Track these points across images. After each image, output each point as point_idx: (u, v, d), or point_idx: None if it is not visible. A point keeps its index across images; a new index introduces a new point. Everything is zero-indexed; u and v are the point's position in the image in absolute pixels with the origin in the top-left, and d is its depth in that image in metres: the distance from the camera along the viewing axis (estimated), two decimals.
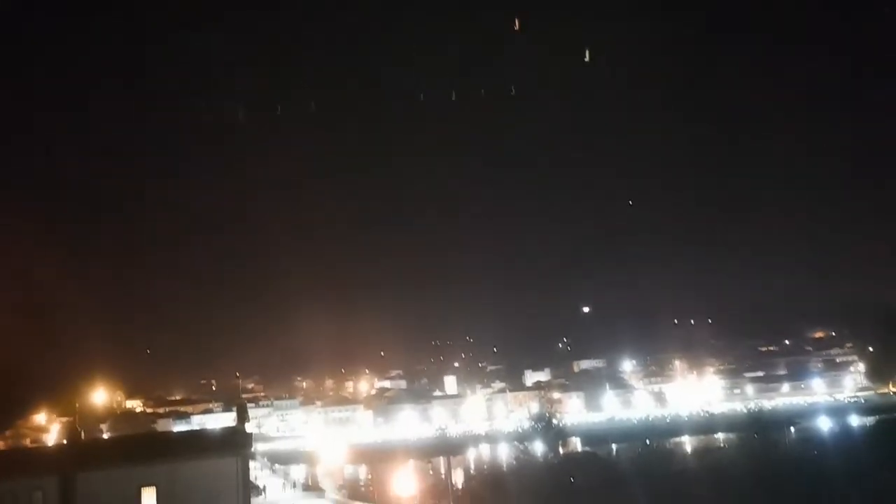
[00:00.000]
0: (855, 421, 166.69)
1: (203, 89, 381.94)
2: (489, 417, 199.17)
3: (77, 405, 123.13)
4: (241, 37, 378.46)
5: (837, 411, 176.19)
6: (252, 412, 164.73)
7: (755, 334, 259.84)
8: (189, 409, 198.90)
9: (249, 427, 68.54)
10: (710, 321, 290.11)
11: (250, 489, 57.30)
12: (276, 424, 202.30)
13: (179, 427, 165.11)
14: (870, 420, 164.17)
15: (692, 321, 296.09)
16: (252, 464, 73.69)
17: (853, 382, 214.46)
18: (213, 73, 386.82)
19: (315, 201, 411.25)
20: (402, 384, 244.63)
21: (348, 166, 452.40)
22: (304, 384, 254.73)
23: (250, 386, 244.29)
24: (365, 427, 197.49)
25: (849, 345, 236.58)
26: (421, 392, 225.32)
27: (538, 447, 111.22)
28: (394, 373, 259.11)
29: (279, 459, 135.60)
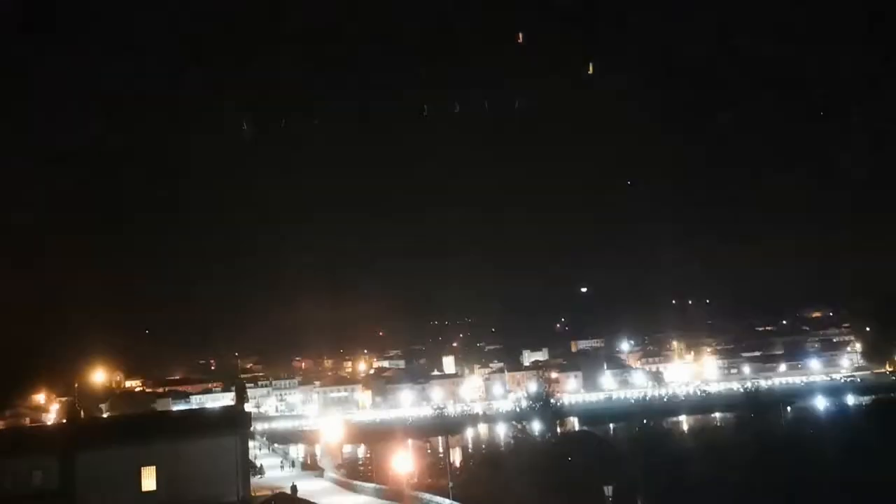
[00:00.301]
0: (851, 400, 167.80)
1: (208, 95, 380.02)
2: (487, 397, 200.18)
3: (76, 385, 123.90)
4: (244, 46, 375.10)
5: (834, 391, 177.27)
6: (251, 392, 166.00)
7: (752, 314, 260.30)
8: (188, 388, 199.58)
9: (248, 407, 68.91)
10: (707, 301, 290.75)
11: (249, 468, 57.71)
12: (275, 404, 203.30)
13: (179, 407, 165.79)
14: (866, 399, 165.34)
15: (690, 301, 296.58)
16: (251, 443, 74.15)
17: (850, 362, 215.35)
18: (216, 80, 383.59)
19: (314, 183, 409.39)
20: (401, 364, 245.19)
21: (349, 157, 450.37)
22: (303, 364, 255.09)
23: (249, 366, 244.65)
24: (363, 407, 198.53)
25: (846, 325, 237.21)
26: (419, 372, 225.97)
27: (536, 426, 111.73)
28: (392, 353, 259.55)
29: (278, 439, 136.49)
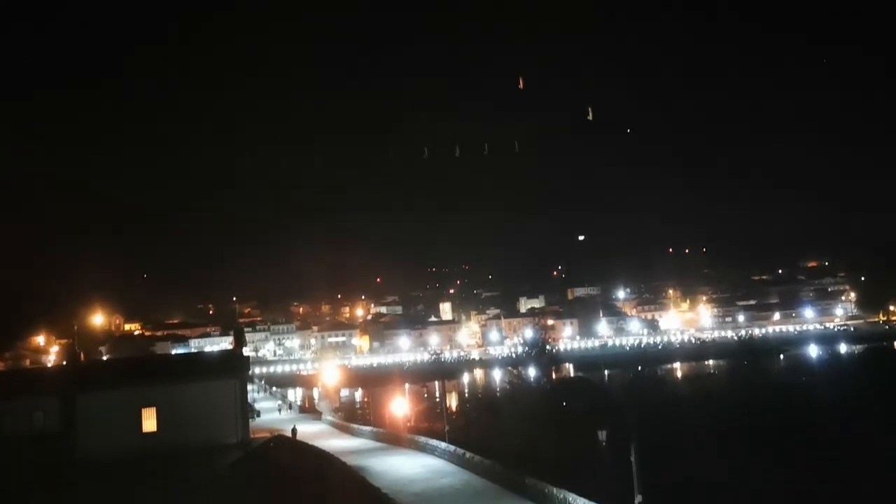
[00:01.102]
0: (844, 349, 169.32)
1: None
2: (484, 343, 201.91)
3: (76, 327, 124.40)
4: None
5: (827, 339, 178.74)
6: (249, 336, 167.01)
7: (748, 263, 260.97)
8: (187, 332, 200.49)
9: (247, 351, 69.39)
10: (703, 250, 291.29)
11: (248, 411, 58.38)
12: (273, 348, 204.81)
13: (177, 350, 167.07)
14: (858, 348, 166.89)
15: (686, 250, 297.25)
16: (249, 387, 74.86)
17: (844, 311, 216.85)
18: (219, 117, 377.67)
19: (314, 130, 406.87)
20: (398, 310, 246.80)
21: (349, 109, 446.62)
22: (301, 309, 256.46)
23: (247, 310, 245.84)
24: (361, 351, 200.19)
25: (841, 274, 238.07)
26: (417, 318, 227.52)
27: (532, 372, 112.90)
28: (390, 298, 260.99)
29: (276, 383, 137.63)
